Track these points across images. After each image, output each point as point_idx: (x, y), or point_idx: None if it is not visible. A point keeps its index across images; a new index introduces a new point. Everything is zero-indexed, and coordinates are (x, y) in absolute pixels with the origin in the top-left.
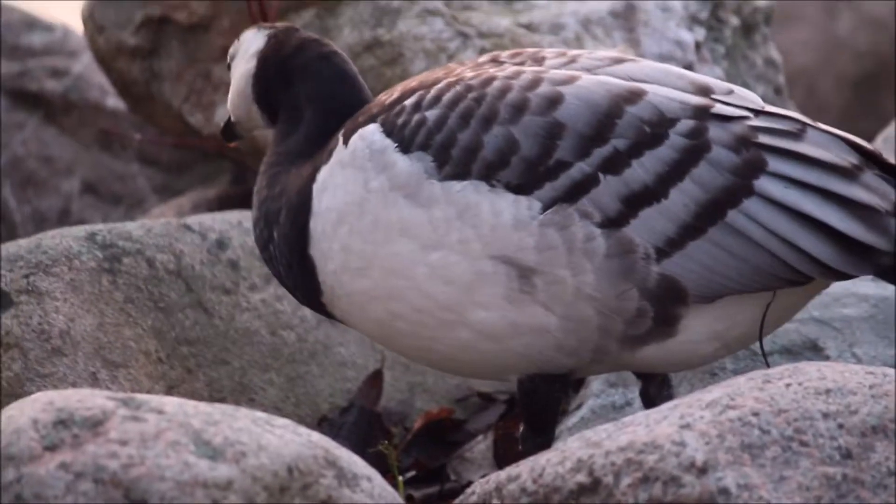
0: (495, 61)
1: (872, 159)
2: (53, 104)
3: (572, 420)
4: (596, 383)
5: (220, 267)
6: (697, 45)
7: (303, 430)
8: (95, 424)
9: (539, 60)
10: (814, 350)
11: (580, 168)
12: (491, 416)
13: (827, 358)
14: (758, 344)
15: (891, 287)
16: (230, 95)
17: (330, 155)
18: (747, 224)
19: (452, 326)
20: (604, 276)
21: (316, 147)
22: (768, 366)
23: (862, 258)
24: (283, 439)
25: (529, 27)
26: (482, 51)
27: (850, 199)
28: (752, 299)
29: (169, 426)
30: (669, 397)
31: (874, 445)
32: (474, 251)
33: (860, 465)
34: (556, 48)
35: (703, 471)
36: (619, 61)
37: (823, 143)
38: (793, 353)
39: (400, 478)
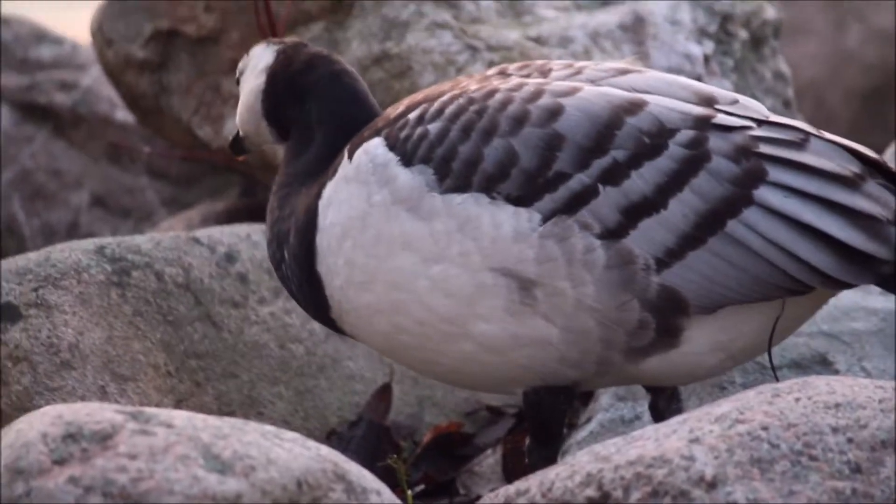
0: (503, 74)
1: (877, 168)
2: (62, 117)
3: (581, 434)
4: (605, 397)
5: (229, 280)
6: (706, 59)
7: (312, 443)
8: (104, 438)
9: (546, 72)
10: (823, 364)
11: (580, 179)
12: (500, 429)
13: (836, 372)
14: (766, 357)
15: None
16: (239, 110)
17: (335, 171)
18: (747, 234)
19: (455, 339)
20: (604, 287)
21: (326, 166)
22: (777, 380)
23: (862, 267)
24: (292, 453)
25: (538, 40)
26: (491, 64)
27: (850, 209)
28: (756, 310)
29: (178, 440)
30: (679, 411)
31: (884, 460)
32: (475, 264)
33: (870, 480)
34: (564, 60)
35: (712, 485)
36: (623, 72)
37: (826, 152)
38: (802, 366)
39: (409, 492)
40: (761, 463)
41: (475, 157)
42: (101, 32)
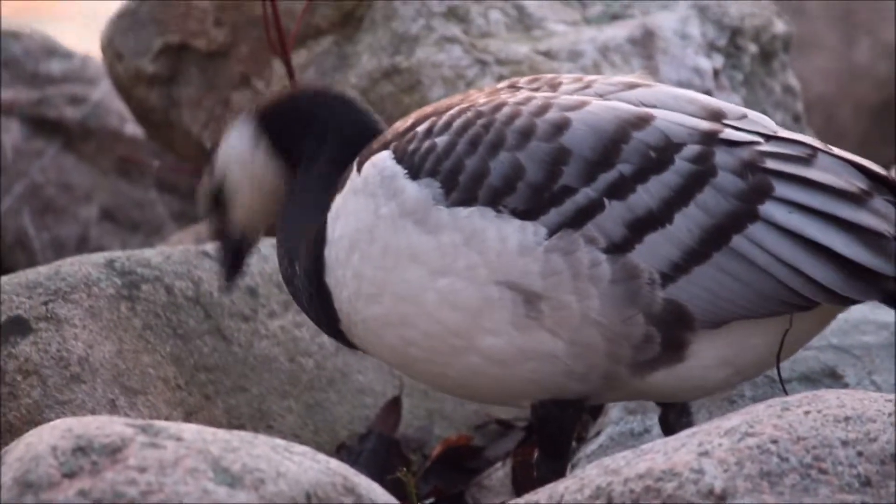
0: (513, 87)
1: (885, 184)
2: (72, 131)
3: (591, 447)
4: (614, 410)
5: (239, 294)
6: (716, 73)
7: (321, 457)
8: (114, 451)
9: (555, 86)
10: (833, 377)
11: (585, 194)
12: (509, 442)
13: (846, 385)
14: (775, 371)
15: None
16: (239, 198)
17: (344, 183)
18: (752, 249)
19: (463, 352)
20: (609, 301)
21: (334, 182)
22: (787, 393)
23: (868, 283)
24: (301, 466)
25: (548, 54)
26: (500, 78)
27: (856, 225)
28: (762, 325)
29: (188, 453)
30: (689, 424)
31: (893, 473)
32: (481, 277)
33: (879, 493)
34: (574, 74)
35: (721, 498)
36: (632, 86)
37: (833, 168)
38: (811, 380)
39: None
40: (771, 476)
41: (481, 171)
42: (112, 47)
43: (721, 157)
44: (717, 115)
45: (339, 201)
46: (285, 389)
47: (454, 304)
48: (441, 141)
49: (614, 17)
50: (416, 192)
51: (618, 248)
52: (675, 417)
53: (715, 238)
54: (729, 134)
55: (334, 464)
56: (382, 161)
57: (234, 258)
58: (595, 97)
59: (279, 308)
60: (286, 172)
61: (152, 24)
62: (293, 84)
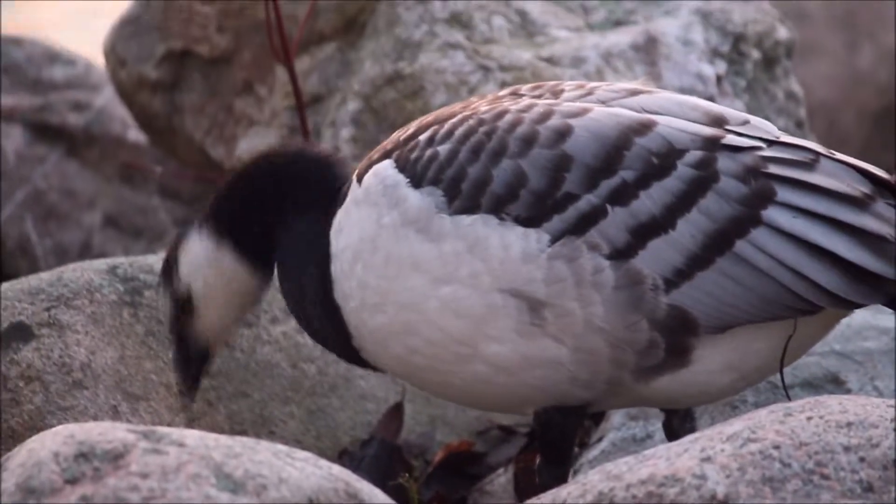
0: (515, 94)
1: (888, 188)
2: (75, 138)
3: (593, 453)
4: (617, 416)
5: None
6: (719, 79)
7: (323, 462)
8: (116, 457)
9: (558, 93)
10: (835, 383)
11: (588, 200)
12: (511, 448)
13: (848, 391)
14: (778, 376)
15: None
16: (205, 309)
17: (344, 197)
18: (755, 254)
19: (467, 360)
20: (613, 307)
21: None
22: (789, 399)
23: (871, 287)
24: (303, 472)
25: (551, 60)
26: (503, 84)
27: (859, 229)
28: (766, 329)
29: (190, 459)
30: (692, 430)
31: (895, 479)
32: (484, 284)
33: (881, 499)
34: (576, 81)
35: None
36: (634, 93)
37: (835, 172)
38: (814, 386)
39: None
40: (773, 482)
41: (484, 179)
42: (114, 53)
43: (724, 162)
44: (719, 121)
45: (340, 215)
46: (287, 395)
47: (457, 312)
48: (443, 149)
49: (617, 24)
50: (418, 200)
51: (621, 255)
52: (678, 423)
53: (718, 243)
54: (731, 139)
55: (336, 469)
56: (384, 170)
57: (196, 371)
58: (597, 104)
59: (281, 314)
60: (257, 270)
61: (155, 30)
62: (237, 163)
